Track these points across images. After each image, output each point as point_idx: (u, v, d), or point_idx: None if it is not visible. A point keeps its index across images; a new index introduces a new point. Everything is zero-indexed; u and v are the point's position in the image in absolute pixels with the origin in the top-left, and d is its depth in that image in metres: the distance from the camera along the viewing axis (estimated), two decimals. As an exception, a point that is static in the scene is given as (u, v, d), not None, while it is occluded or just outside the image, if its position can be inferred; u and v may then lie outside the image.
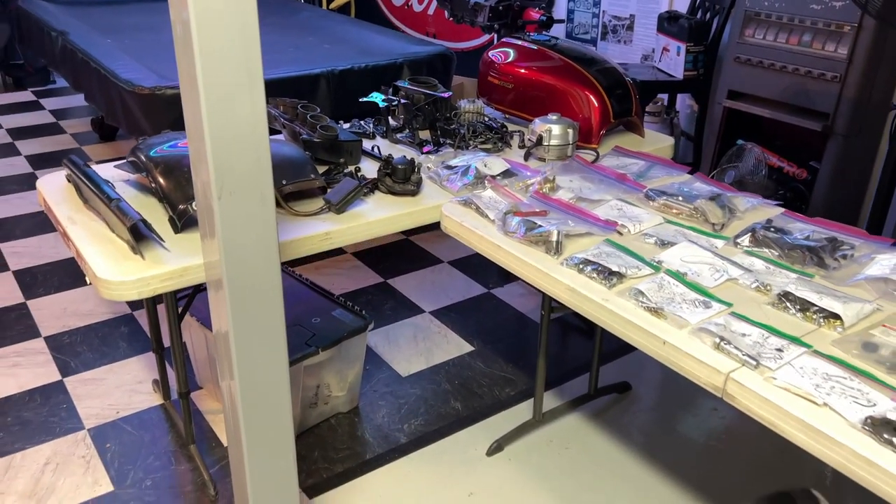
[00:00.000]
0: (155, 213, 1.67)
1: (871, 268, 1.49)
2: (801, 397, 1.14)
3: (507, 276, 2.89)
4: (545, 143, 2.07)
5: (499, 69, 2.41)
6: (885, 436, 1.05)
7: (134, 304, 2.69)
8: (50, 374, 2.33)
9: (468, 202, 1.81)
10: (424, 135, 2.22)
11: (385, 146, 2.17)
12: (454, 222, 1.77)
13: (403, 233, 3.28)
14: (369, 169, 1.98)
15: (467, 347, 2.50)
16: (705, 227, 1.70)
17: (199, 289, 1.87)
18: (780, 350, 1.24)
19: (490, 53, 2.48)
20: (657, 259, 1.54)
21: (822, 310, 1.34)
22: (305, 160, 1.84)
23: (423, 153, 2.10)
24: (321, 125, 1.97)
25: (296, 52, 3.15)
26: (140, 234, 1.54)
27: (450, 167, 1.97)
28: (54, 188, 1.87)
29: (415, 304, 2.75)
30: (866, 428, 1.07)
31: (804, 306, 1.36)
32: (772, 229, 1.63)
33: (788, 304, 1.37)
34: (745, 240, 1.61)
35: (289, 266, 2.40)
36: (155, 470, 1.96)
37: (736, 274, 1.48)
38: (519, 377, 2.35)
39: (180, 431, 2.06)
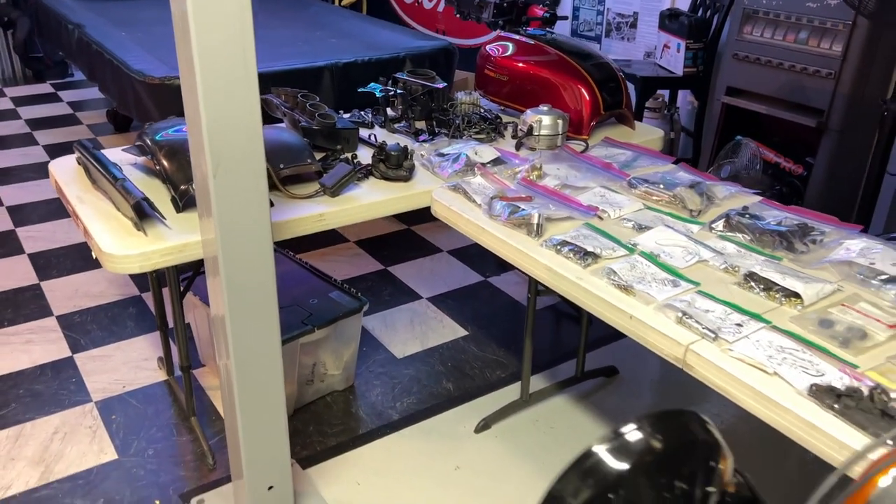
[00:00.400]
0: (158, 194, 1.77)
1: (837, 252, 1.55)
2: (754, 367, 1.21)
3: (503, 266, 2.97)
4: (535, 134, 2.14)
5: (495, 62, 2.49)
6: (828, 401, 1.12)
7: (142, 286, 2.79)
8: (61, 350, 2.44)
9: (457, 187, 1.88)
10: (421, 125, 2.30)
11: (383, 135, 2.25)
12: (443, 206, 1.85)
13: (404, 223, 3.37)
14: (366, 156, 2.06)
15: (461, 332, 2.58)
16: (683, 213, 1.77)
17: (200, 270, 1.96)
18: (739, 325, 1.31)
19: (487, 47, 2.56)
20: (633, 242, 1.61)
21: (784, 289, 1.41)
22: (303, 146, 1.92)
23: (417, 142, 2.18)
24: (319, 113, 2.06)
25: (304, 46, 3.24)
26: (143, 212, 1.63)
27: (442, 155, 2.05)
28: (65, 170, 1.96)
29: (413, 291, 2.84)
30: (811, 395, 1.14)
31: (768, 286, 1.43)
32: (746, 215, 1.69)
33: (753, 284, 1.44)
34: (720, 225, 1.68)
35: (293, 252, 2.48)
36: (157, 440, 2.06)
37: (707, 256, 1.55)
38: (510, 361, 2.42)
39: (182, 405, 2.15)
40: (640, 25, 4.10)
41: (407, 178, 1.95)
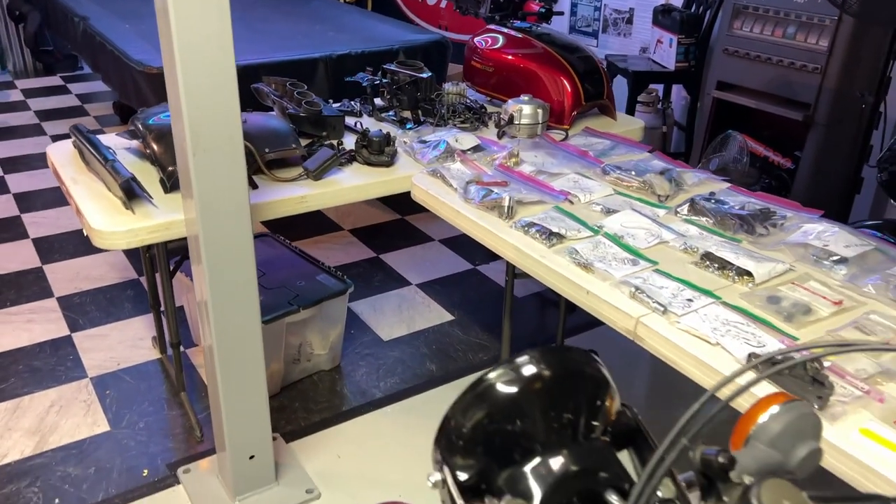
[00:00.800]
0: (148, 175, 1.85)
1: (795, 235, 1.61)
2: (698, 338, 1.27)
3: (492, 255, 3.03)
4: (516, 122, 2.21)
5: (481, 54, 2.56)
6: (761, 368, 1.18)
7: (140, 270, 2.88)
8: (60, 329, 2.53)
9: (436, 173, 1.95)
10: (408, 114, 2.37)
11: (371, 124, 2.32)
12: (422, 191, 1.92)
13: (398, 212, 3.44)
14: (352, 143, 2.13)
15: (448, 317, 2.65)
16: (652, 198, 1.83)
17: (185, 257, 2.04)
18: (690, 300, 1.38)
19: (475, 39, 2.62)
20: (599, 224, 1.68)
21: (737, 268, 1.47)
22: (288, 132, 2.00)
23: (401, 129, 2.25)
24: (306, 101, 2.13)
25: (302, 39, 3.31)
26: (131, 191, 1.71)
27: (424, 142, 2.12)
28: (62, 154, 2.05)
29: (402, 277, 2.91)
30: (748, 361, 1.20)
31: (722, 265, 1.49)
32: (712, 200, 1.75)
33: (709, 263, 1.50)
34: (685, 209, 1.74)
35: (289, 239, 2.56)
36: (148, 414, 2.14)
37: (669, 238, 1.62)
38: (493, 344, 2.49)
39: (174, 381, 2.24)
40: (636, 21, 4.16)
41: (389, 164, 2.02)
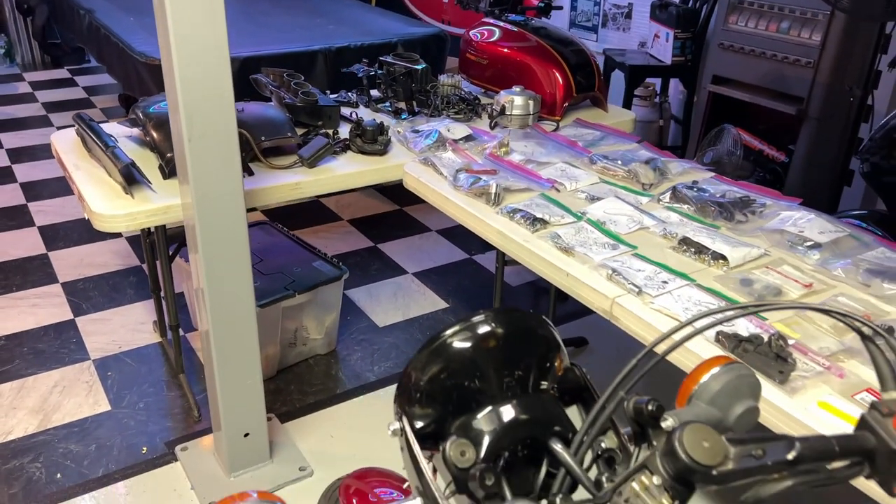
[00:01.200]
0: (148, 162, 1.91)
1: (772, 222, 1.66)
2: (669, 317, 1.32)
3: (487, 245, 3.08)
4: (508, 113, 2.26)
5: (476, 47, 2.61)
6: (729, 346, 1.23)
7: (142, 258, 2.95)
8: (64, 313, 2.60)
9: (427, 161, 2.01)
10: (403, 105, 2.42)
11: (367, 115, 2.38)
12: (413, 178, 1.97)
13: (397, 203, 3.50)
14: (347, 133, 2.19)
15: (442, 304, 2.71)
16: (636, 186, 1.88)
17: (184, 244, 2.10)
18: (665, 282, 1.43)
19: (470, 32, 2.67)
20: (583, 211, 1.73)
21: (713, 252, 1.52)
22: (284, 120, 2.05)
23: (396, 119, 2.31)
24: (303, 91, 2.19)
25: (301, 32, 3.37)
26: (131, 176, 1.77)
27: (417, 131, 2.17)
28: (65, 141, 2.11)
29: (399, 266, 2.97)
30: (716, 340, 1.25)
31: (699, 249, 1.54)
32: (694, 188, 1.80)
33: (686, 248, 1.55)
34: (667, 196, 1.78)
35: (288, 229, 2.61)
36: (148, 395, 2.21)
37: (649, 224, 1.66)
38: (485, 331, 2.54)
39: (173, 364, 2.30)
40: (635, 16, 4.19)
41: (382, 153, 2.07)
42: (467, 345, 0.69)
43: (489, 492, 0.57)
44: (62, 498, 1.83)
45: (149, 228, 2.21)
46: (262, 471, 1.91)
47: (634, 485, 0.58)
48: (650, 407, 0.62)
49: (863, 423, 0.58)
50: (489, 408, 0.67)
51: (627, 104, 3.62)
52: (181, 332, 2.26)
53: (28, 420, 2.09)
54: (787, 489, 0.57)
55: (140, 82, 2.95)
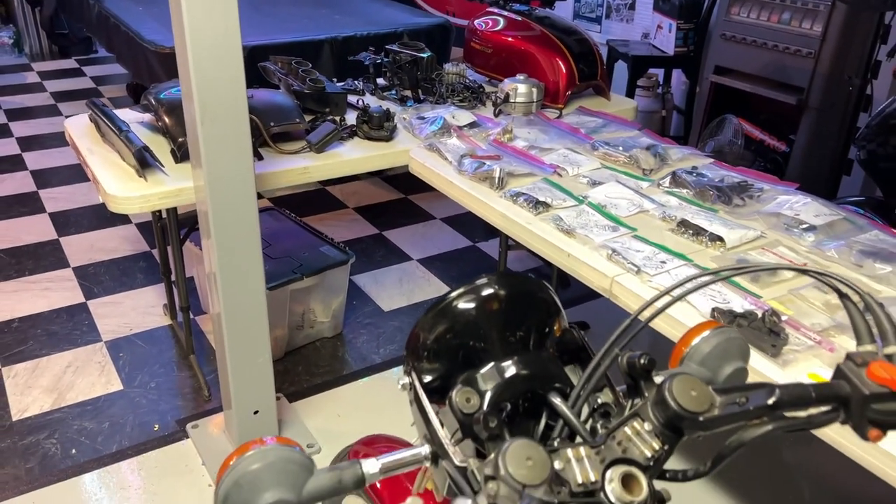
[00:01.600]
0: (160, 147, 1.95)
1: (769, 206, 1.70)
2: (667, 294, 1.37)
3: (492, 232, 3.13)
4: (512, 100, 2.30)
5: (481, 36, 2.65)
6: (724, 321, 1.27)
7: (152, 243, 3.00)
8: (76, 297, 2.65)
9: (432, 147, 2.05)
10: (409, 93, 2.46)
11: (373, 102, 2.42)
12: (419, 164, 2.02)
13: (402, 192, 3.54)
14: (354, 119, 2.23)
15: (446, 290, 2.75)
16: (637, 171, 1.92)
17: (196, 227, 2.14)
18: (663, 262, 1.47)
19: (474, 22, 2.71)
20: (585, 195, 1.77)
21: (710, 234, 1.56)
22: (293, 107, 2.10)
23: (402, 107, 2.35)
24: (311, 78, 2.23)
25: (307, 22, 3.41)
26: (144, 160, 1.82)
27: (422, 118, 2.21)
28: (79, 127, 2.16)
29: (404, 253, 3.01)
30: (711, 316, 1.29)
31: (697, 231, 1.58)
32: (693, 173, 1.84)
33: (684, 230, 1.60)
34: (667, 181, 1.83)
35: (294, 213, 2.66)
36: (159, 375, 2.26)
37: (649, 207, 1.71)
38: (489, 316, 2.59)
39: (183, 346, 2.35)
40: (638, 7, 4.22)
41: (388, 138, 2.12)
42: (471, 306, 0.74)
43: (492, 433, 0.62)
44: (77, 472, 1.89)
45: (160, 213, 2.26)
46: (270, 448, 1.96)
47: (627, 430, 0.62)
48: (642, 361, 0.67)
49: (838, 373, 0.63)
50: (492, 363, 0.72)
51: (630, 95, 3.65)
52: (191, 316, 2.31)
53: (43, 398, 2.15)
54: (767, 433, 0.62)
55: (150, 71, 2.99)
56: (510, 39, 2.54)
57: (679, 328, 1.31)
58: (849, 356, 0.63)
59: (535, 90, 2.30)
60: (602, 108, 2.44)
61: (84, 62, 5.81)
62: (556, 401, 0.71)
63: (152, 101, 2.02)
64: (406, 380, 0.74)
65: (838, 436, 1.07)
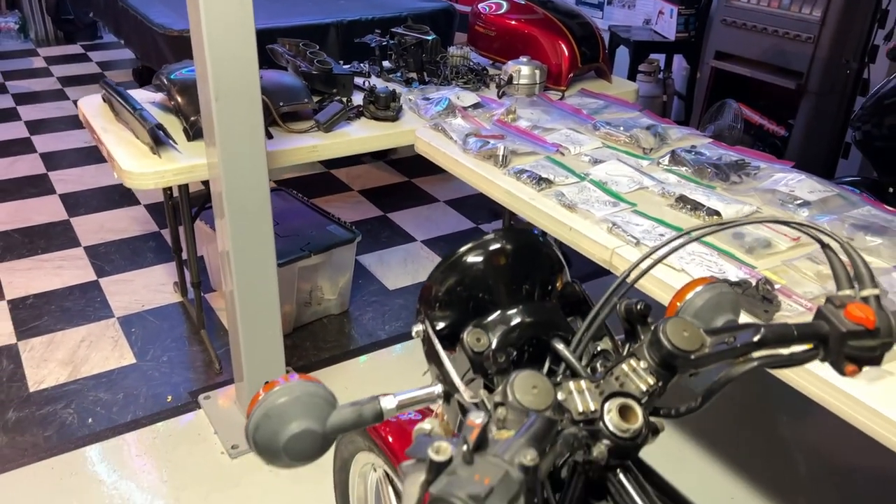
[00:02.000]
0: (173, 126, 2.00)
1: (766, 183, 1.75)
2: (666, 265, 1.42)
3: (494, 214, 3.18)
4: (515, 82, 2.35)
5: (485, 19, 2.69)
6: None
7: (161, 223, 3.05)
8: (88, 275, 2.71)
9: (437, 126, 2.10)
10: (414, 75, 2.51)
11: (379, 84, 2.47)
12: (424, 143, 2.07)
13: (406, 175, 3.59)
14: (360, 100, 2.28)
15: (450, 269, 2.81)
16: (637, 150, 1.97)
17: (206, 205, 2.19)
18: (662, 235, 1.53)
19: (479, 6, 2.75)
20: (586, 172, 1.82)
21: (708, 209, 1.62)
22: (301, 87, 2.15)
23: (407, 88, 2.40)
24: (318, 60, 2.28)
25: (313, 6, 3.45)
26: (157, 137, 1.87)
27: (427, 99, 2.26)
28: (92, 106, 2.21)
29: (408, 234, 3.07)
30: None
31: (694, 206, 1.63)
32: (692, 152, 1.89)
33: (683, 205, 1.65)
34: (666, 159, 1.88)
35: (301, 194, 2.72)
36: (171, 349, 2.32)
37: (649, 184, 1.76)
38: (492, 294, 2.65)
39: (194, 321, 2.41)
40: (640, -7, 4.25)
41: (394, 118, 2.17)
42: (480, 259, 0.79)
43: (500, 367, 0.68)
44: (94, 440, 1.95)
45: (171, 192, 2.32)
46: (280, 418, 2.02)
47: (624, 367, 0.68)
48: (639, 307, 0.72)
49: (819, 314, 0.68)
50: (499, 312, 0.77)
51: (632, 80, 3.69)
52: (201, 293, 2.37)
53: (59, 371, 2.21)
54: (753, 369, 0.68)
55: (158, 54, 3.04)
56: (513, 22, 2.59)
57: (668, 291, 1.37)
58: (828, 299, 0.68)
59: (538, 72, 2.35)
60: (604, 91, 2.48)
61: (89, 47, 5.85)
62: (559, 346, 0.76)
63: (164, 81, 2.07)
64: (419, 326, 0.80)
65: (816, 388, 1.13)
